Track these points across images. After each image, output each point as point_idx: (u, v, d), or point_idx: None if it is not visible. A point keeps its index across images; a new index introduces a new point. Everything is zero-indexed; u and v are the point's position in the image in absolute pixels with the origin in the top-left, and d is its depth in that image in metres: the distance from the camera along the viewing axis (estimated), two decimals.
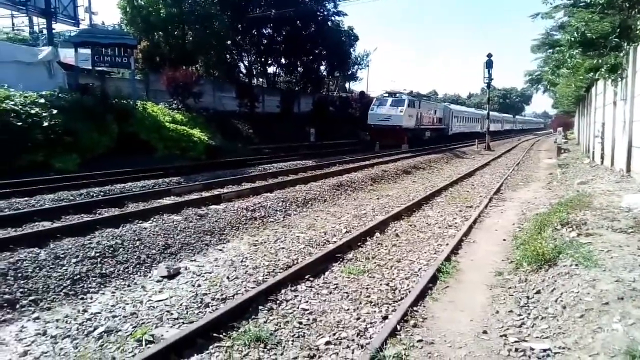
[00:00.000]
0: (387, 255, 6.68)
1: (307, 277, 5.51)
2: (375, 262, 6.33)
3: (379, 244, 7.30)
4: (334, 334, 4.17)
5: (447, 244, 7.20)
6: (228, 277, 5.61)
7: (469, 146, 33.44)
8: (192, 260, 6.49)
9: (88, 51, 17.23)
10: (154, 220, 7.78)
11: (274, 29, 33.61)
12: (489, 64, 32.17)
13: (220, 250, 7.03)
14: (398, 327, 4.19)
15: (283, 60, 36.58)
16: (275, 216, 9.23)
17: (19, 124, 12.09)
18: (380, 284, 5.50)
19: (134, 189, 10.46)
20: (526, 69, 49.42)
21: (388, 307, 4.83)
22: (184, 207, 8.71)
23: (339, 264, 6.20)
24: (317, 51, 36.64)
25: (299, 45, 34.23)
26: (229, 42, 28.58)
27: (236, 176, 12.78)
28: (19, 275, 5.21)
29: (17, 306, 4.74)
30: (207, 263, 6.35)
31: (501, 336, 4.13)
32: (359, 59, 42.54)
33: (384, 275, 5.85)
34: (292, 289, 5.14)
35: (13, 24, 28.44)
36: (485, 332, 4.22)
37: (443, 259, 6.17)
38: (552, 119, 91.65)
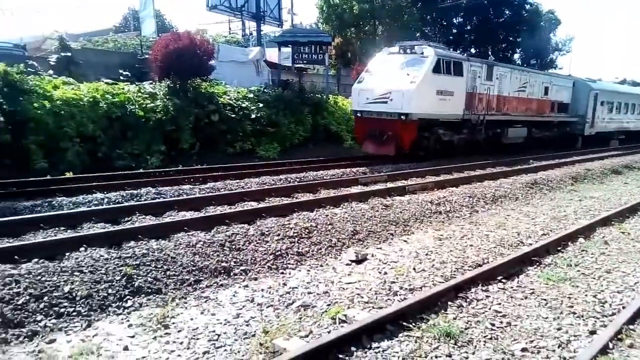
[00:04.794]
0: (593, 264, 5.93)
1: (499, 278, 5.20)
2: (578, 271, 5.67)
3: (582, 250, 6.51)
4: (531, 341, 3.87)
5: None
6: (414, 269, 5.60)
7: None
8: (378, 248, 6.66)
9: (288, 49, 18.83)
10: (344, 207, 8.16)
11: (464, 18, 32.38)
12: None
13: (404, 241, 7.07)
14: (610, 345, 3.69)
15: (473, 50, 35.00)
16: (461, 212, 8.92)
17: (233, 116, 13.88)
18: (586, 295, 4.90)
19: (324, 177, 11.13)
20: None
21: (595, 321, 4.29)
22: (370, 196, 8.96)
23: (535, 268, 5.72)
24: (511, 38, 34.15)
25: (490, 34, 32.38)
26: (417, 34, 28.43)
27: (420, 169, 12.68)
28: (233, 247, 5.95)
29: (231, 274, 5.44)
30: (392, 252, 6.44)
31: None
32: (559, 44, 38.43)
33: (590, 285, 5.20)
34: (483, 288, 4.90)
35: (229, 29, 32.63)
36: None
37: None
38: None
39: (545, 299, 4.76)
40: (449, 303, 4.46)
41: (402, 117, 13.29)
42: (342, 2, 23.91)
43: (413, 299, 4.28)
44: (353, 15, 23.48)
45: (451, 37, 32.94)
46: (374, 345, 3.66)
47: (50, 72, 13.79)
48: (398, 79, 13.74)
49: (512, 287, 5.05)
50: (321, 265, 5.92)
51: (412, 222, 7.94)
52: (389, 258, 6.15)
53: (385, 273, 5.54)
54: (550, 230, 7.55)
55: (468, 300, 4.61)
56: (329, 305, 4.54)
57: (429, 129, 14.33)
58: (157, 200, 8.01)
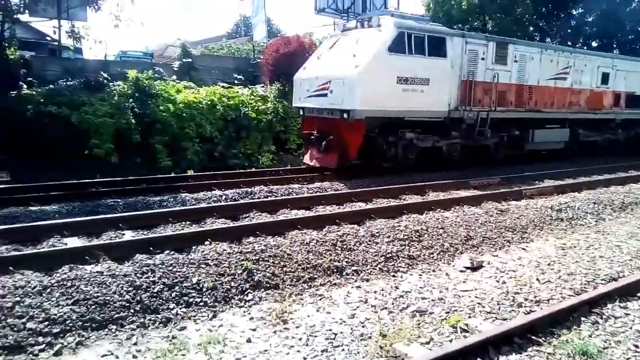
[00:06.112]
0: None
1: (639, 295, 4.69)
2: None
3: None
4: None
5: None
6: (538, 279, 5.25)
7: None
8: (493, 255, 6.35)
9: None
10: (455, 210, 7.89)
11: (585, 9, 29.77)
12: None
13: (523, 249, 6.67)
14: None
15: (594, 43, 32.07)
16: (585, 219, 8.23)
17: None
18: None
19: (432, 179, 10.84)
20: None
21: None
22: (483, 200, 8.57)
23: None
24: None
25: (615, 25, 29.40)
26: (531, 28, 26.70)
27: (536, 172, 11.89)
28: (344, 247, 5.99)
29: (344, 273, 5.47)
30: (510, 260, 6.10)
31: None
32: None
33: None
34: (621, 305, 4.45)
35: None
36: None
37: None
38: None
39: None
40: (582, 319, 4.10)
41: (344, 114, 9.89)
42: None
43: (542, 312, 3.99)
44: (461, 11, 22.70)
45: (569, 30, 30.50)
46: (502, 358, 3.46)
47: (174, 77, 14.99)
48: (341, 63, 10.31)
49: None
50: (433, 271, 5.76)
51: (530, 229, 7.47)
52: (506, 266, 5.83)
53: (504, 282, 5.26)
54: None
55: (604, 317, 4.20)
56: (447, 312, 4.39)
57: (392, 131, 10.76)
58: (271, 198, 8.33)
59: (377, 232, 6.49)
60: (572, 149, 14.66)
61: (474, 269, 5.75)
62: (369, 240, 6.26)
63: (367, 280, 5.40)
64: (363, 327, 4.22)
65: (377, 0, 22.20)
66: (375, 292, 5.03)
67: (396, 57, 10.15)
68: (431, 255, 6.18)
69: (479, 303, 4.58)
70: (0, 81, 11.73)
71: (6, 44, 13.54)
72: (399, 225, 6.81)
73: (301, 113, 11.49)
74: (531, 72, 12.95)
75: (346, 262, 5.69)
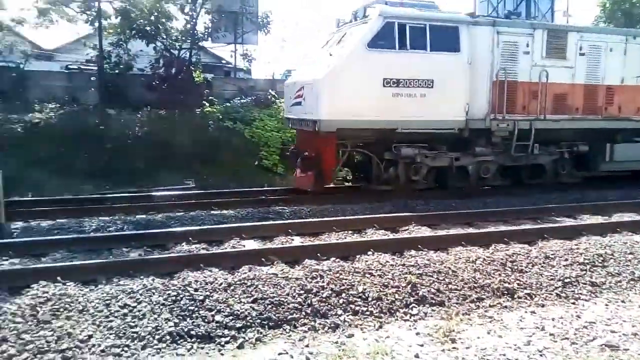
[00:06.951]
0: None
1: None
2: None
3: None
4: None
5: None
6: None
7: None
8: None
9: None
10: None
11: None
12: None
13: None
14: None
15: None
16: None
17: None
18: None
19: (610, 198, 9.62)
20: None
21: None
22: None
23: None
24: None
25: None
26: None
27: None
28: (515, 268, 5.58)
29: (515, 296, 5.08)
30: None
31: None
32: None
33: None
34: None
35: None
36: None
37: None
38: None
39: None
40: None
41: (315, 126, 8.40)
42: None
43: None
44: None
45: None
46: None
47: None
48: (318, 64, 8.86)
49: None
50: (622, 301, 5.08)
51: None
52: None
53: None
54: None
55: None
56: None
57: (386, 147, 8.97)
58: (431, 212, 8.13)
59: (551, 254, 5.96)
60: None
61: None
62: (543, 262, 5.76)
63: (542, 305, 4.95)
64: (541, 356, 3.88)
65: (543, 4, 20.51)
66: (552, 319, 4.59)
67: (381, 53, 8.36)
68: (619, 284, 5.47)
69: None
70: (190, 100, 13.47)
71: (193, 68, 15.51)
72: (577, 248, 6.17)
73: (290, 124, 10.30)
74: (610, 67, 9.98)
75: (517, 284, 5.29)
